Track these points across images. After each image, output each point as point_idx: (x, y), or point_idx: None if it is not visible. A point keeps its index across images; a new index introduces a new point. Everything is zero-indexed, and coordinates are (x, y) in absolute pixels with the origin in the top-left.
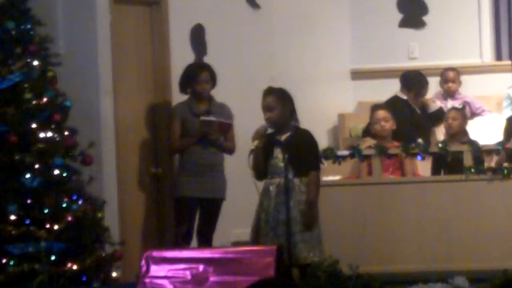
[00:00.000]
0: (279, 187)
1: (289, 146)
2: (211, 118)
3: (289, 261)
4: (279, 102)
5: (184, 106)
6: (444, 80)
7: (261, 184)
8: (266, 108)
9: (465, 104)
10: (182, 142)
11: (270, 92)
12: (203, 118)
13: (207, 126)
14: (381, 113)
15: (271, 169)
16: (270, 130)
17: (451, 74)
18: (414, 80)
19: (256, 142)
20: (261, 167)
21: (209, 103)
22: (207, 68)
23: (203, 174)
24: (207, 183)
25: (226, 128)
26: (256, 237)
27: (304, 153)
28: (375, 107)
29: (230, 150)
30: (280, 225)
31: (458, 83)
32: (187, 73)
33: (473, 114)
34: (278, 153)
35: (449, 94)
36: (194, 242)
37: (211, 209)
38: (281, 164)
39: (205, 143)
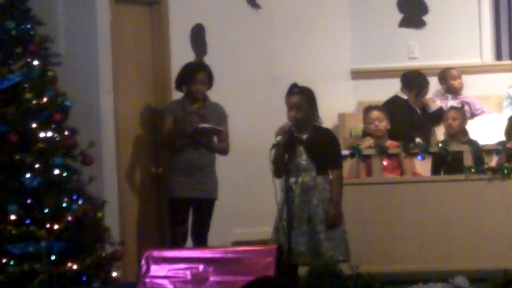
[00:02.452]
0: (302, 186)
1: (310, 144)
2: (205, 125)
3: (289, 261)
4: (306, 102)
5: (177, 105)
6: (451, 78)
7: (278, 182)
8: (293, 107)
9: (465, 104)
10: (173, 133)
11: (298, 91)
12: (199, 126)
13: (203, 133)
14: (375, 114)
15: (293, 167)
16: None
17: (455, 72)
18: (414, 80)
19: (279, 138)
20: (281, 163)
21: (202, 103)
22: (205, 69)
23: (193, 175)
24: (197, 183)
25: (217, 134)
26: (278, 236)
27: (325, 151)
28: (369, 108)
29: (223, 151)
30: (303, 224)
31: (461, 81)
32: (184, 72)
33: (473, 115)
34: (300, 152)
35: (455, 91)
36: (189, 242)
37: (203, 209)
38: (304, 163)
39: (196, 144)
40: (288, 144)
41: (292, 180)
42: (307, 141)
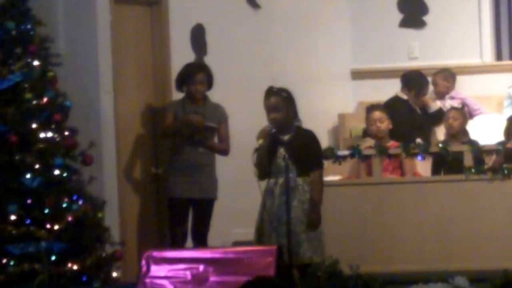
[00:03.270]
0: (283, 187)
1: (292, 145)
2: (212, 124)
3: (289, 261)
4: (284, 103)
5: (177, 104)
6: (433, 82)
7: (263, 184)
8: (271, 108)
9: (464, 104)
10: (172, 125)
11: (275, 92)
12: (208, 124)
13: (194, 127)
14: (376, 114)
15: (274, 169)
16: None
17: (436, 78)
18: (414, 80)
19: (260, 141)
20: (265, 166)
21: (203, 103)
22: (204, 69)
23: (192, 174)
24: (196, 183)
25: (211, 131)
26: (260, 237)
27: (307, 152)
28: (370, 108)
29: (223, 152)
30: (283, 225)
31: (448, 84)
32: (183, 72)
33: (471, 115)
34: (281, 153)
35: (438, 96)
36: (190, 242)
37: (202, 209)
38: (284, 164)
39: (195, 144)
40: (269, 145)
41: (272, 181)
42: (288, 142)
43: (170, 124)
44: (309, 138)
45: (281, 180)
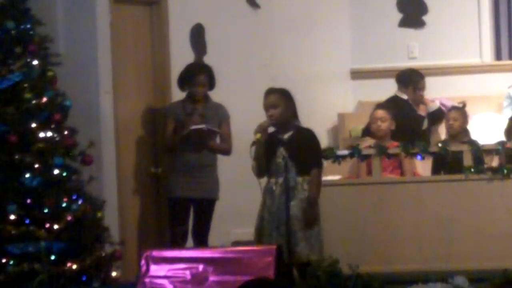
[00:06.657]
0: (283, 187)
1: (291, 145)
2: (200, 126)
3: (289, 260)
4: (282, 100)
5: (177, 106)
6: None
7: (262, 183)
8: (269, 106)
9: (464, 104)
10: (174, 139)
11: (273, 91)
12: (193, 127)
13: (198, 134)
14: (379, 113)
15: (274, 168)
16: (271, 129)
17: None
18: (408, 77)
19: (258, 135)
20: (262, 163)
21: (204, 103)
22: (206, 71)
23: (193, 174)
24: (197, 183)
25: (214, 135)
26: (260, 237)
27: (306, 151)
28: (377, 106)
29: (226, 152)
30: (283, 225)
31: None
32: (184, 73)
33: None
34: (281, 153)
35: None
36: (190, 242)
37: (203, 209)
38: (284, 163)
39: (193, 145)
40: (269, 145)
41: (272, 180)
42: (288, 142)
43: (171, 137)
44: (309, 137)
45: (281, 180)
